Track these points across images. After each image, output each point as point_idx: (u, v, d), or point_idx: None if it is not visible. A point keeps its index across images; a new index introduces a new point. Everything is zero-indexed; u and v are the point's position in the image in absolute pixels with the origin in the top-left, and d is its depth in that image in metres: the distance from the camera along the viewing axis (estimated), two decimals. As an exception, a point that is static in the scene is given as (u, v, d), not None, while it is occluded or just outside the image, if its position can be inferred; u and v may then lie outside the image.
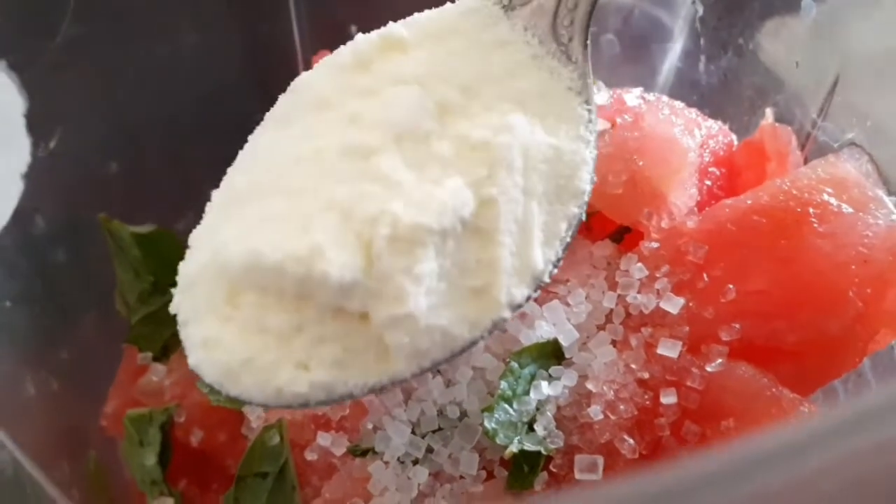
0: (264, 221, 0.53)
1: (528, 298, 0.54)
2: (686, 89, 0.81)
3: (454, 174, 0.52)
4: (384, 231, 0.49)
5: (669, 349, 0.59)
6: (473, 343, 0.53)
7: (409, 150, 0.53)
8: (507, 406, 0.57)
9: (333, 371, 0.51)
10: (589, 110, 0.57)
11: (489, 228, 0.52)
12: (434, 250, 0.50)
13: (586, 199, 0.56)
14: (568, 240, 0.55)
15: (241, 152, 0.60)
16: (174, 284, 0.79)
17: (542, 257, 0.54)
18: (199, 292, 0.55)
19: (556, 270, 0.55)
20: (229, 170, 0.60)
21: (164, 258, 0.78)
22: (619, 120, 0.66)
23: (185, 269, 0.57)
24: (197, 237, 0.58)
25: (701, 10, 0.80)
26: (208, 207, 0.59)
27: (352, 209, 0.51)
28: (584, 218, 0.57)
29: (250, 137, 0.60)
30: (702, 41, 0.81)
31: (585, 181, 0.56)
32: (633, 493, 0.28)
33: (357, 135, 0.54)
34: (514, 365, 0.58)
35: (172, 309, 0.57)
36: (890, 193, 0.64)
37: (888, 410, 0.26)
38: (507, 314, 0.53)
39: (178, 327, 0.56)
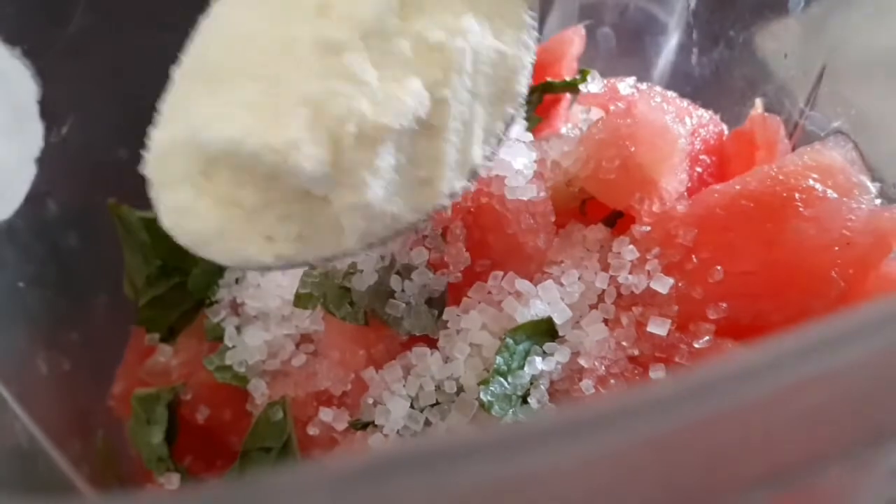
0: (241, 107, 0.56)
1: (464, 189, 0.59)
2: (679, 81, 0.84)
3: (413, 75, 0.56)
4: (352, 129, 0.53)
5: (659, 327, 0.61)
6: (414, 225, 0.59)
7: (374, 48, 0.56)
8: (502, 380, 0.59)
9: (296, 244, 0.56)
10: (532, 17, 0.61)
11: (439, 126, 0.57)
12: (393, 147, 0.55)
13: (521, 101, 0.61)
14: (502, 137, 0.60)
15: (205, 20, 0.61)
16: (180, 268, 0.82)
17: (481, 153, 0.59)
18: (174, 161, 0.58)
19: (490, 164, 0.61)
20: (196, 36, 0.61)
21: (171, 242, 0.80)
22: (612, 107, 0.68)
23: (159, 137, 0.59)
24: (169, 106, 0.60)
25: (694, 4, 0.82)
26: (177, 73, 0.61)
27: (323, 106, 0.54)
28: (518, 118, 0.62)
29: (213, 6, 0.61)
30: (695, 34, 0.83)
31: (523, 85, 0.60)
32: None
33: (327, 29, 0.56)
34: (510, 341, 0.60)
35: (145, 171, 0.59)
36: (874, 179, 0.65)
37: (835, 342, 0.28)
38: (446, 202, 0.59)
39: (150, 189, 0.59)
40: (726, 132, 0.74)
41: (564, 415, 0.31)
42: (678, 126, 0.67)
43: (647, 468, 0.30)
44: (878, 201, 0.64)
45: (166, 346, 0.79)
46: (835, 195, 0.63)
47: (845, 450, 0.30)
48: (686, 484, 0.31)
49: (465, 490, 0.28)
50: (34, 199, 0.74)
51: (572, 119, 0.80)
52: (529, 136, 0.72)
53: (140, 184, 0.83)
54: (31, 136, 0.73)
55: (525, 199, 0.64)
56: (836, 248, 0.61)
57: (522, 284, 0.63)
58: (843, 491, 0.38)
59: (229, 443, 0.76)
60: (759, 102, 0.76)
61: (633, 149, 0.65)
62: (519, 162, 0.64)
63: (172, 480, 0.76)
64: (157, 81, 0.84)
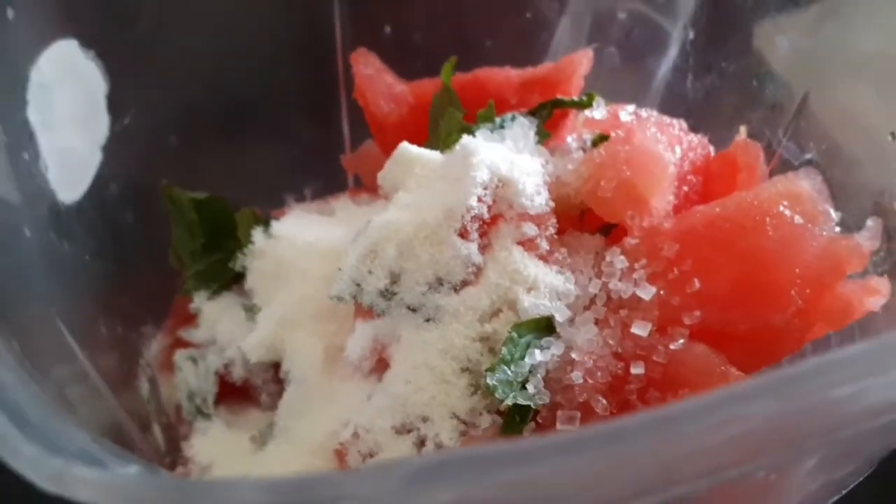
0: None
1: None
2: (675, 101, 0.92)
3: None
4: None
5: (641, 329, 0.67)
6: None
7: None
8: (506, 368, 0.66)
9: None
10: None
11: None
12: None
13: None
14: None
15: None
16: (222, 245, 0.92)
17: None
18: None
19: None
20: None
21: (215, 222, 0.90)
22: (613, 134, 0.77)
23: None
24: None
25: (692, 35, 0.91)
26: None
27: None
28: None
29: None
30: (691, 60, 0.91)
31: None
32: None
33: None
34: (515, 335, 0.68)
35: None
36: (836, 209, 0.72)
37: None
38: None
39: None
40: (712, 153, 0.83)
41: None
42: (669, 154, 0.75)
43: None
44: (837, 229, 0.72)
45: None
46: (801, 221, 0.70)
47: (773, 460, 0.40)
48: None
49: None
50: (99, 181, 0.84)
51: (577, 130, 0.88)
52: (541, 150, 0.80)
53: (187, 168, 0.93)
54: (100, 127, 0.82)
55: (533, 213, 0.73)
56: (797, 270, 0.68)
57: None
58: (773, 485, 0.49)
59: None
60: (743, 129, 0.83)
61: (629, 173, 0.72)
62: (530, 181, 0.74)
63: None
64: (205, 78, 0.93)
